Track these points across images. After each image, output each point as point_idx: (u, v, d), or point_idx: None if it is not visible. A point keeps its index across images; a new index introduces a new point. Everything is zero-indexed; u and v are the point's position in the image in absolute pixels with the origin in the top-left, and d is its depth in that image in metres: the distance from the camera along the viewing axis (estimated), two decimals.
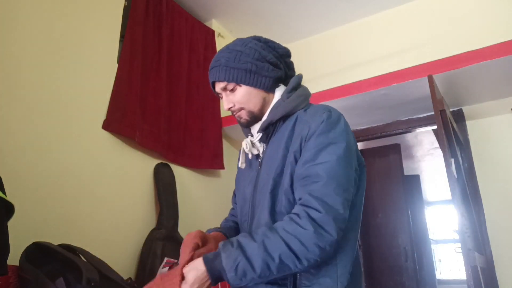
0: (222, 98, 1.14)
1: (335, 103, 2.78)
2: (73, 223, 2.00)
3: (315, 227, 0.85)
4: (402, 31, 3.24)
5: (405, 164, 4.38)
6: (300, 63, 3.88)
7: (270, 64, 1.09)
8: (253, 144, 1.13)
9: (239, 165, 1.17)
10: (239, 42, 1.11)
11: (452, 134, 2.25)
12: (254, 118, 1.11)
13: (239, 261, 0.85)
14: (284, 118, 1.09)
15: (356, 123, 3.17)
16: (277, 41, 1.17)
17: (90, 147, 2.20)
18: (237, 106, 1.10)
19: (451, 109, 2.76)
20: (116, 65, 2.45)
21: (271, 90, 1.11)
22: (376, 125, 3.17)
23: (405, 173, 3.93)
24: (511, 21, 2.75)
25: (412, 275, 3.40)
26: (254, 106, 1.09)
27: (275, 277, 0.88)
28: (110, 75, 2.40)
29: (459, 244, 1.86)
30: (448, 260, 7.13)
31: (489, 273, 2.40)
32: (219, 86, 1.11)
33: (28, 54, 1.97)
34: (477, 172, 2.64)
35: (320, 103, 2.75)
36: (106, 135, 2.31)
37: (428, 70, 2.36)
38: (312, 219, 0.86)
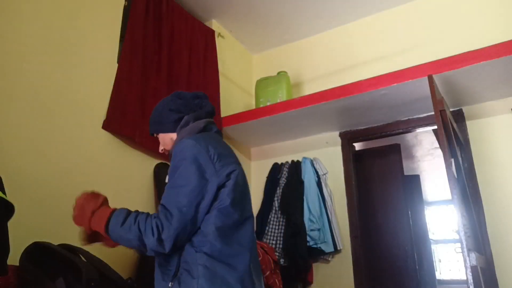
0: None
1: (335, 103, 2.78)
2: (73, 223, 2.00)
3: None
4: (402, 31, 3.24)
5: (405, 164, 4.37)
6: (300, 63, 3.92)
7: (170, 111, 1.44)
8: None
9: None
10: (160, 101, 1.51)
11: (452, 134, 2.25)
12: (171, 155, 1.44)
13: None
14: None
15: (356, 123, 3.17)
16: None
17: (90, 147, 2.20)
18: (163, 148, 1.51)
19: (451, 109, 2.76)
20: (116, 65, 2.46)
21: (174, 129, 1.44)
22: (376, 125, 3.17)
23: (405, 173, 3.92)
24: (511, 21, 2.75)
25: (412, 275, 3.40)
26: (167, 145, 1.48)
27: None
28: (110, 75, 2.40)
29: (459, 244, 1.86)
30: (448, 260, 7.13)
31: (489, 273, 2.40)
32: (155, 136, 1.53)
33: (28, 54, 1.97)
34: (477, 172, 2.64)
35: (321, 103, 2.77)
36: (106, 135, 2.31)
37: (428, 70, 2.36)
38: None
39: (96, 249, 1.81)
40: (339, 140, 3.31)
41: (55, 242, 1.87)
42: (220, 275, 1.17)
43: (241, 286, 1.19)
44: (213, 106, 1.54)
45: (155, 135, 1.51)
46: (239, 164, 1.37)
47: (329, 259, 3.04)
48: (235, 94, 3.56)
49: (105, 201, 1.30)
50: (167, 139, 1.47)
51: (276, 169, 3.33)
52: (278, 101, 3.15)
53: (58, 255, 1.52)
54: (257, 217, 3.21)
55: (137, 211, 1.25)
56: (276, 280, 2.45)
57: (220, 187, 1.25)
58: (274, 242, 2.99)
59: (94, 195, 1.29)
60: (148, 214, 1.21)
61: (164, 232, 1.15)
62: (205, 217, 1.22)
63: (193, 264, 1.18)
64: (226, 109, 3.24)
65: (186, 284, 1.16)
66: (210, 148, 1.28)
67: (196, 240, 1.21)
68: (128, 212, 1.23)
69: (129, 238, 1.18)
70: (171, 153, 1.38)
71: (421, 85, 2.44)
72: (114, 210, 1.24)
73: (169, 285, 1.20)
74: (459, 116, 2.78)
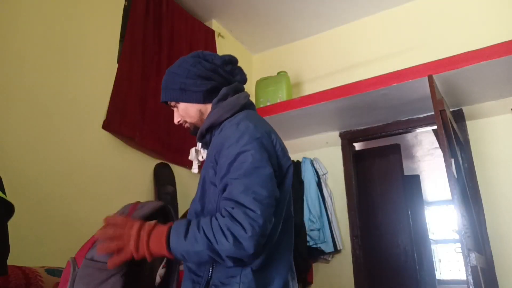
0: None
1: (335, 103, 2.78)
2: (73, 223, 2.01)
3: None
4: (402, 31, 3.24)
5: (405, 164, 4.37)
6: (300, 63, 3.91)
7: (200, 78, 1.19)
8: (197, 151, 1.23)
9: (192, 170, 1.27)
10: (177, 63, 1.24)
11: (452, 134, 2.25)
12: (197, 128, 1.25)
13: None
14: (214, 127, 1.19)
15: (356, 123, 3.17)
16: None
17: (90, 147, 2.20)
18: (182, 120, 1.26)
19: (451, 109, 2.76)
20: (116, 65, 2.46)
21: (205, 101, 1.21)
22: (376, 125, 3.17)
23: (405, 173, 3.92)
24: (511, 21, 2.75)
25: (412, 275, 3.40)
26: (192, 118, 1.23)
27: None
28: (110, 75, 2.40)
29: (459, 244, 1.86)
30: (448, 260, 7.13)
31: (489, 273, 2.40)
32: (168, 104, 1.27)
33: (28, 54, 1.98)
34: (477, 172, 2.64)
35: (321, 103, 2.77)
36: (106, 135, 2.31)
37: (428, 70, 2.36)
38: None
39: None
40: (339, 140, 3.31)
41: (55, 242, 1.88)
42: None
43: None
44: (245, 73, 1.33)
45: (172, 103, 1.24)
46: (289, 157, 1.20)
47: (329, 259, 3.04)
48: None
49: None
50: (192, 111, 1.21)
51: None
52: (278, 101, 3.15)
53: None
54: None
55: (198, 217, 1.00)
56: None
57: (279, 182, 1.06)
58: None
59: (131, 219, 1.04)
60: (211, 217, 0.96)
61: (246, 230, 0.90)
62: None
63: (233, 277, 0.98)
64: None
65: None
66: (272, 134, 1.11)
67: None
68: (188, 222, 0.97)
69: (198, 250, 0.92)
70: (203, 131, 1.19)
71: (421, 85, 2.44)
72: (171, 225, 0.99)
73: None
74: (459, 116, 2.78)
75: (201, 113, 1.22)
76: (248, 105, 1.25)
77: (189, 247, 0.93)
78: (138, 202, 1.31)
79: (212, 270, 1.01)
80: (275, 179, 1.01)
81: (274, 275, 1.03)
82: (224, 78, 1.23)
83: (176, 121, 1.27)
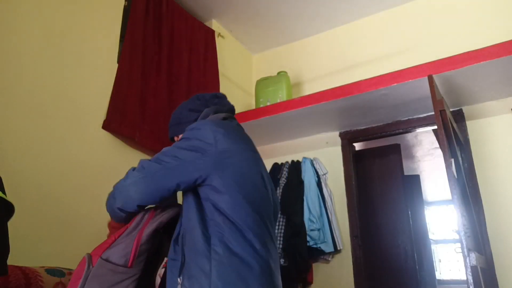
0: None
1: (335, 103, 2.78)
2: (73, 223, 2.01)
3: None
4: (402, 31, 3.24)
5: (405, 164, 4.37)
6: (300, 63, 3.92)
7: (190, 111, 1.41)
8: None
9: None
10: (177, 108, 1.49)
11: (452, 134, 2.25)
12: None
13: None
14: None
15: (356, 123, 3.17)
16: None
17: (90, 147, 2.20)
18: None
19: (451, 109, 2.76)
20: (116, 65, 2.46)
21: None
22: (376, 125, 3.17)
23: (405, 173, 3.92)
24: (511, 21, 2.75)
25: (412, 275, 3.40)
26: None
27: None
28: (110, 75, 2.40)
29: (459, 244, 1.86)
30: (448, 260, 7.13)
31: (489, 273, 2.40)
32: (175, 140, 1.47)
33: (28, 54, 1.97)
34: (477, 172, 2.64)
35: (321, 103, 2.77)
36: (106, 135, 2.31)
37: (428, 70, 2.36)
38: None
39: None
40: (339, 140, 3.31)
41: (55, 242, 1.88)
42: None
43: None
44: (233, 105, 1.49)
45: (175, 138, 1.47)
46: (251, 150, 1.30)
47: (329, 259, 3.04)
48: (235, 94, 3.56)
49: None
50: None
51: (276, 169, 3.33)
52: (278, 101, 3.15)
53: None
54: None
55: None
56: None
57: (218, 173, 1.18)
58: None
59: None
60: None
61: (129, 177, 1.20)
62: (210, 203, 1.15)
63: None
64: None
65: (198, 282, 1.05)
66: (220, 130, 1.21)
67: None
68: None
69: (111, 200, 1.25)
70: None
71: (421, 85, 2.44)
72: None
73: (178, 281, 1.10)
74: (459, 116, 2.78)
75: None
76: (226, 120, 1.36)
77: (109, 196, 1.26)
78: (154, 210, 1.32)
79: (183, 252, 1.13)
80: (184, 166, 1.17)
81: (244, 251, 1.10)
82: (211, 109, 1.41)
83: None
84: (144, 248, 1.26)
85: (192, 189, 1.21)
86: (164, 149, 1.24)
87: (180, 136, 1.37)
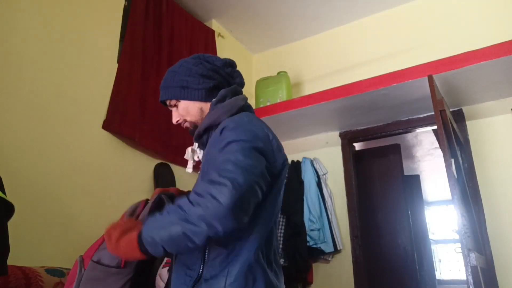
0: None
1: (335, 103, 2.78)
2: (73, 223, 2.01)
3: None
4: (402, 31, 3.24)
5: (405, 164, 4.37)
6: (300, 63, 3.90)
7: (201, 76, 1.20)
8: (193, 151, 1.31)
9: (186, 169, 1.35)
10: (177, 63, 1.26)
11: (452, 134, 2.25)
12: (196, 127, 1.23)
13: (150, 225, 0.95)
14: (211, 128, 1.17)
15: (356, 123, 3.17)
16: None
17: (90, 147, 2.20)
18: (181, 119, 1.25)
19: (451, 109, 2.76)
20: (116, 65, 2.46)
21: (207, 99, 1.21)
22: (376, 125, 3.17)
23: (405, 173, 3.92)
24: (511, 21, 2.75)
25: (412, 275, 3.40)
26: (193, 116, 1.22)
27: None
28: (110, 75, 2.40)
29: (459, 244, 1.86)
30: (448, 260, 7.13)
31: (489, 273, 2.40)
32: (167, 104, 1.27)
33: (28, 54, 1.97)
34: (477, 172, 2.64)
35: (321, 103, 2.77)
36: (106, 135, 2.31)
37: (428, 70, 2.36)
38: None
39: None
40: (339, 140, 3.31)
41: (55, 242, 1.88)
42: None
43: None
44: (243, 77, 1.32)
45: (172, 102, 1.24)
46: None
47: (329, 259, 3.04)
48: None
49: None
50: (193, 109, 1.21)
51: None
52: (278, 101, 3.15)
53: None
54: None
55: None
56: None
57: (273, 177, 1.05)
58: None
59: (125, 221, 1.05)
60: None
61: (227, 187, 0.87)
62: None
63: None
64: None
65: None
66: (269, 132, 1.10)
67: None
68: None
69: (172, 228, 0.88)
70: (201, 131, 1.18)
71: (421, 85, 2.44)
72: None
73: None
74: (459, 116, 2.78)
75: (202, 111, 1.22)
76: (246, 108, 1.23)
77: (160, 225, 0.91)
78: (147, 200, 1.31)
79: (203, 265, 1.02)
80: (264, 170, 1.00)
81: (258, 270, 1.02)
82: (224, 78, 1.24)
83: (174, 120, 1.27)
84: None
85: None
86: (222, 157, 0.97)
87: (182, 102, 1.21)
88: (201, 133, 1.20)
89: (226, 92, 1.20)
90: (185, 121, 1.25)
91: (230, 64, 1.28)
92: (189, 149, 1.35)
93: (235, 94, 1.24)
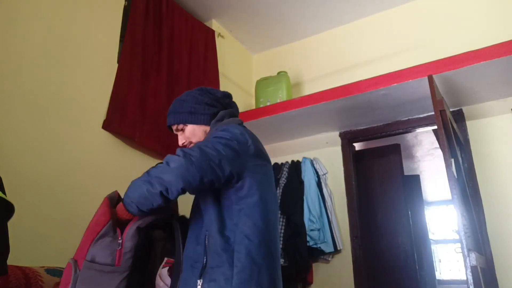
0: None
1: (335, 103, 2.78)
2: (73, 223, 2.00)
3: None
4: (402, 31, 3.24)
5: (405, 164, 4.37)
6: (300, 63, 3.91)
7: (206, 104, 1.40)
8: None
9: None
10: (184, 94, 1.46)
11: (452, 134, 2.25)
12: None
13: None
14: None
15: (356, 123, 3.17)
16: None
17: (90, 147, 2.20)
18: (187, 141, 1.41)
19: (451, 109, 2.76)
20: (116, 65, 2.46)
21: (210, 123, 1.40)
22: (376, 125, 3.17)
23: (405, 173, 3.92)
24: (511, 21, 2.75)
25: (412, 275, 3.39)
26: (198, 138, 1.40)
27: None
28: (110, 75, 2.40)
29: (459, 244, 1.85)
30: (448, 260, 7.13)
31: (489, 273, 2.40)
32: (174, 129, 1.44)
33: (28, 54, 1.98)
34: (477, 172, 2.64)
35: (321, 103, 2.77)
36: (106, 135, 2.31)
37: (428, 70, 2.36)
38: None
39: None
40: (339, 140, 3.31)
41: (55, 242, 1.87)
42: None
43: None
44: (237, 107, 1.55)
45: (180, 126, 1.41)
46: (269, 163, 1.37)
47: (329, 259, 3.04)
48: (235, 94, 3.52)
49: None
50: (199, 131, 1.40)
51: (276, 169, 3.33)
52: (278, 101, 3.15)
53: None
54: None
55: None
56: None
57: (247, 175, 1.21)
58: None
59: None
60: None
61: (179, 157, 1.10)
62: (237, 209, 1.18)
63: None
64: None
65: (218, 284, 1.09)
66: (250, 141, 1.27)
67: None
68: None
69: (138, 182, 1.14)
70: None
71: (421, 85, 2.45)
72: None
73: (198, 283, 1.12)
74: (459, 116, 2.78)
75: (205, 134, 1.40)
76: (241, 127, 1.39)
77: (137, 188, 1.14)
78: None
79: (206, 256, 1.16)
80: (231, 161, 1.17)
81: (263, 261, 1.15)
82: (224, 107, 1.45)
83: (180, 143, 1.43)
84: (130, 245, 1.25)
85: (216, 194, 1.23)
86: (202, 142, 1.22)
87: (190, 126, 1.40)
88: None
89: (224, 113, 1.41)
90: (191, 143, 1.41)
91: (227, 96, 1.49)
92: None
93: (232, 116, 1.45)
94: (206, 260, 1.15)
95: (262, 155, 1.32)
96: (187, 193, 1.18)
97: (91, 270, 1.19)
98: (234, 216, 1.18)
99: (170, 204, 1.24)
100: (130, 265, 1.24)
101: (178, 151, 1.14)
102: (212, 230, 1.18)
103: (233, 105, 1.51)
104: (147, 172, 1.16)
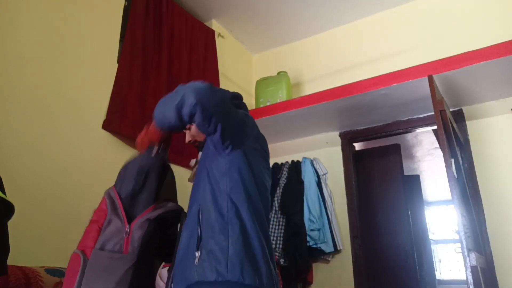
0: None
1: (335, 103, 2.78)
2: (73, 223, 2.00)
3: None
4: (402, 31, 3.24)
5: (405, 164, 4.37)
6: (300, 63, 3.91)
7: None
8: (197, 162, 1.49)
9: (188, 179, 1.57)
10: None
11: (452, 134, 2.25)
12: (203, 144, 1.45)
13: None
14: None
15: (356, 123, 3.17)
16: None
17: (90, 147, 2.20)
18: (193, 139, 1.47)
19: (451, 109, 2.76)
20: (116, 65, 2.46)
21: None
22: (376, 125, 3.17)
23: (405, 173, 3.92)
24: (511, 21, 2.75)
25: (412, 275, 3.39)
26: (202, 137, 1.44)
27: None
28: (110, 75, 2.40)
29: (459, 244, 1.86)
30: (448, 260, 7.13)
31: (489, 273, 2.40)
32: None
33: (28, 54, 1.97)
34: (477, 172, 2.64)
35: (321, 103, 2.77)
36: (106, 135, 2.31)
37: (428, 70, 2.36)
38: None
39: None
40: (339, 140, 3.31)
41: (55, 241, 1.88)
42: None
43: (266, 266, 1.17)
44: (247, 108, 1.57)
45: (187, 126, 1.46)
46: (267, 155, 1.45)
47: (329, 259, 3.04)
48: None
49: None
50: None
51: (276, 169, 3.33)
52: (278, 101, 3.15)
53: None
54: None
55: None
56: None
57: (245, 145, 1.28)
58: (274, 242, 2.99)
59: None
60: None
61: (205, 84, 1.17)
62: (228, 179, 1.22)
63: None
64: None
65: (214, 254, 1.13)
66: (258, 133, 1.36)
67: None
68: None
69: (171, 96, 1.19)
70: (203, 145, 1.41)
71: (421, 85, 2.44)
72: None
73: (196, 255, 1.15)
74: (459, 116, 2.78)
75: None
76: None
77: (163, 100, 1.23)
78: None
79: (200, 229, 1.19)
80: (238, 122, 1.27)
81: (253, 232, 1.19)
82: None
83: (187, 140, 1.48)
84: (138, 234, 1.29)
85: (207, 170, 1.28)
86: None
87: (194, 125, 1.42)
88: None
89: None
90: (196, 141, 1.46)
91: (237, 97, 1.50)
92: (193, 160, 1.56)
93: None
94: (201, 232, 1.18)
95: (262, 148, 1.38)
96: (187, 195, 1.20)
97: (102, 257, 1.22)
98: (226, 188, 1.22)
99: (184, 126, 1.28)
100: (138, 254, 1.26)
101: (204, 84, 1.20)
102: (204, 203, 1.21)
103: (242, 106, 1.51)
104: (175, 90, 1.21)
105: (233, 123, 1.25)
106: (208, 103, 1.14)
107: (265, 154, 1.41)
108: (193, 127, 1.40)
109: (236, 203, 1.20)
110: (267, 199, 1.34)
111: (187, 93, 1.13)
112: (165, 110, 1.19)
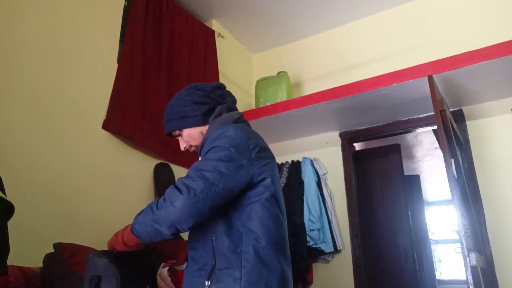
0: None
1: (335, 103, 2.78)
2: (73, 223, 2.01)
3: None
4: (402, 31, 3.24)
5: (405, 164, 4.37)
6: (300, 63, 3.91)
7: (196, 104, 1.35)
8: None
9: None
10: (173, 98, 1.42)
11: (452, 134, 2.25)
12: (200, 148, 1.36)
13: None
14: None
15: (356, 123, 3.17)
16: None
17: (90, 147, 2.20)
18: (187, 145, 1.40)
19: (451, 109, 2.76)
20: (116, 65, 2.46)
21: (204, 123, 1.36)
22: (376, 125, 3.17)
23: (405, 173, 3.92)
24: (511, 21, 2.75)
25: (412, 275, 3.40)
26: (196, 140, 1.38)
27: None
28: (110, 75, 2.40)
29: (459, 244, 1.85)
30: (448, 260, 7.13)
31: (489, 273, 2.40)
32: (173, 135, 1.42)
33: (28, 54, 1.97)
34: (477, 172, 2.64)
35: (321, 103, 2.77)
36: (106, 135, 2.31)
37: (428, 70, 2.36)
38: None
39: (96, 249, 1.81)
40: (339, 140, 3.31)
41: (55, 241, 1.87)
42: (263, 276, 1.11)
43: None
44: (233, 95, 1.48)
45: (176, 132, 1.39)
46: (274, 159, 1.35)
47: (329, 259, 3.04)
48: (235, 94, 3.48)
49: None
50: (195, 134, 1.36)
51: None
52: (278, 101, 3.15)
53: None
54: None
55: None
56: None
57: (256, 180, 1.19)
58: None
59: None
60: None
61: (182, 192, 1.06)
62: (246, 210, 1.16)
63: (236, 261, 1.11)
64: None
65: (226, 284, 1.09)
66: (251, 140, 1.23)
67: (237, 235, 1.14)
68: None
69: (146, 221, 1.10)
70: (203, 143, 1.31)
71: (421, 85, 2.45)
72: None
73: (206, 284, 1.12)
74: (459, 116, 2.78)
75: (202, 134, 1.36)
76: (240, 120, 1.37)
77: (142, 223, 1.11)
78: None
79: (215, 259, 1.14)
80: (237, 177, 1.15)
81: (272, 261, 1.15)
82: (216, 101, 1.39)
83: (182, 147, 1.41)
84: None
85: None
86: (198, 164, 1.17)
87: (185, 130, 1.36)
88: (203, 146, 1.32)
89: (222, 108, 1.37)
90: (191, 146, 1.40)
91: (219, 87, 1.44)
92: None
93: (230, 110, 1.40)
94: (215, 262, 1.13)
95: (265, 150, 1.29)
96: None
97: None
98: (242, 217, 1.17)
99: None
100: (120, 263, 1.25)
101: (179, 183, 1.11)
102: (219, 232, 1.16)
103: (226, 96, 1.44)
104: (151, 209, 1.11)
105: (234, 183, 1.14)
106: (202, 210, 1.08)
107: (271, 160, 1.32)
108: (185, 133, 1.37)
109: (252, 232, 1.15)
110: (284, 214, 1.29)
111: (180, 219, 1.07)
112: (153, 234, 1.11)
